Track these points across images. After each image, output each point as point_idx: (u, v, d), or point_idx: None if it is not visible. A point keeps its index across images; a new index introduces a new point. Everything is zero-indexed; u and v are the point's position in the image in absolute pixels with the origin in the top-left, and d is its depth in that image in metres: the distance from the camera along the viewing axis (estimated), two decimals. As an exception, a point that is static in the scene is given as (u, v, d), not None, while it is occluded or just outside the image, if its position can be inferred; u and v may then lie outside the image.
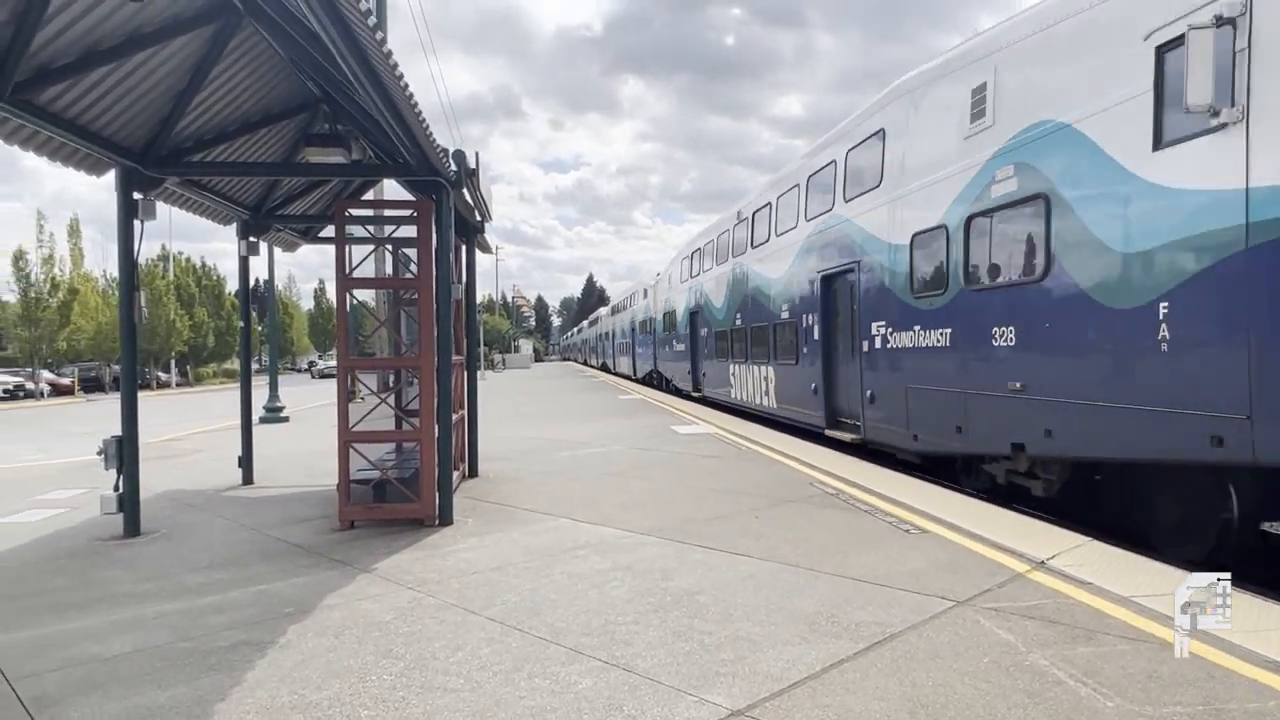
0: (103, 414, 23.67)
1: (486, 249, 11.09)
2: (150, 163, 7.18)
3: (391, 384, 8.93)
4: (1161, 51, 5.49)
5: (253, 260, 9.88)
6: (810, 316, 12.05)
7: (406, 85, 5.42)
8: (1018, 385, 7.07)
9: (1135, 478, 6.59)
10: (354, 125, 7.71)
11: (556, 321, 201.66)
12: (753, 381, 15.31)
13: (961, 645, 4.34)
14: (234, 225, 9.62)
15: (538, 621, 4.79)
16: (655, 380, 28.51)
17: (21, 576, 6.06)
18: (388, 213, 7.95)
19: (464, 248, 9.77)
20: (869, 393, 10.08)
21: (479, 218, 9.59)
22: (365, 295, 14.49)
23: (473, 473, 9.91)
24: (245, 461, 9.85)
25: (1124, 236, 5.80)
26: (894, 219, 9.24)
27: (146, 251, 66.30)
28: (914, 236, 8.73)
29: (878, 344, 9.73)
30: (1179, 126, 5.35)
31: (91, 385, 44.69)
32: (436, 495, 7.32)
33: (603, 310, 59.96)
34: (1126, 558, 5.78)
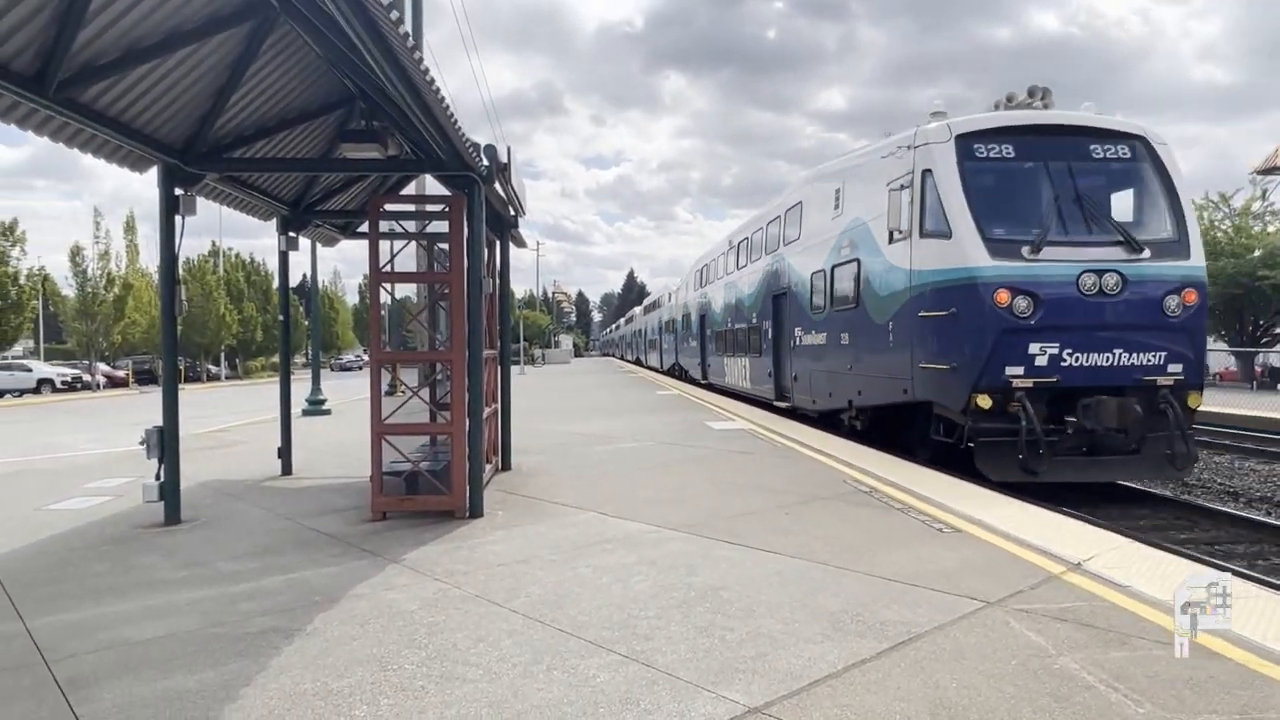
0: (154, 405, 24.28)
1: (521, 243, 11.14)
2: (191, 159, 7.33)
3: (426, 378, 9.03)
4: (891, 192, 10.23)
5: (295, 255, 10.07)
6: (767, 323, 17.16)
7: (433, 80, 5.46)
8: (849, 366, 12.21)
9: (898, 417, 11.20)
10: (389, 121, 7.77)
11: (597, 317, 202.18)
12: (737, 369, 20.85)
13: (989, 647, 4.26)
14: (274, 221, 9.82)
15: (560, 614, 4.81)
16: (677, 372, 34.32)
17: (66, 561, 6.25)
18: (421, 208, 8.02)
19: (497, 242, 9.83)
20: (794, 374, 15.35)
21: (512, 212, 9.63)
22: (408, 290, 14.76)
23: (505, 466, 9.98)
24: (284, 453, 10.03)
25: (880, 286, 10.83)
26: (805, 261, 14.31)
27: (199, 248, 67.85)
28: (811, 274, 13.84)
29: (797, 342, 14.96)
30: (894, 233, 10.29)
31: (145, 378, 45.94)
32: (467, 488, 7.38)
33: (637, 309, 66.97)
34: (1167, 560, 5.64)
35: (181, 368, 49.30)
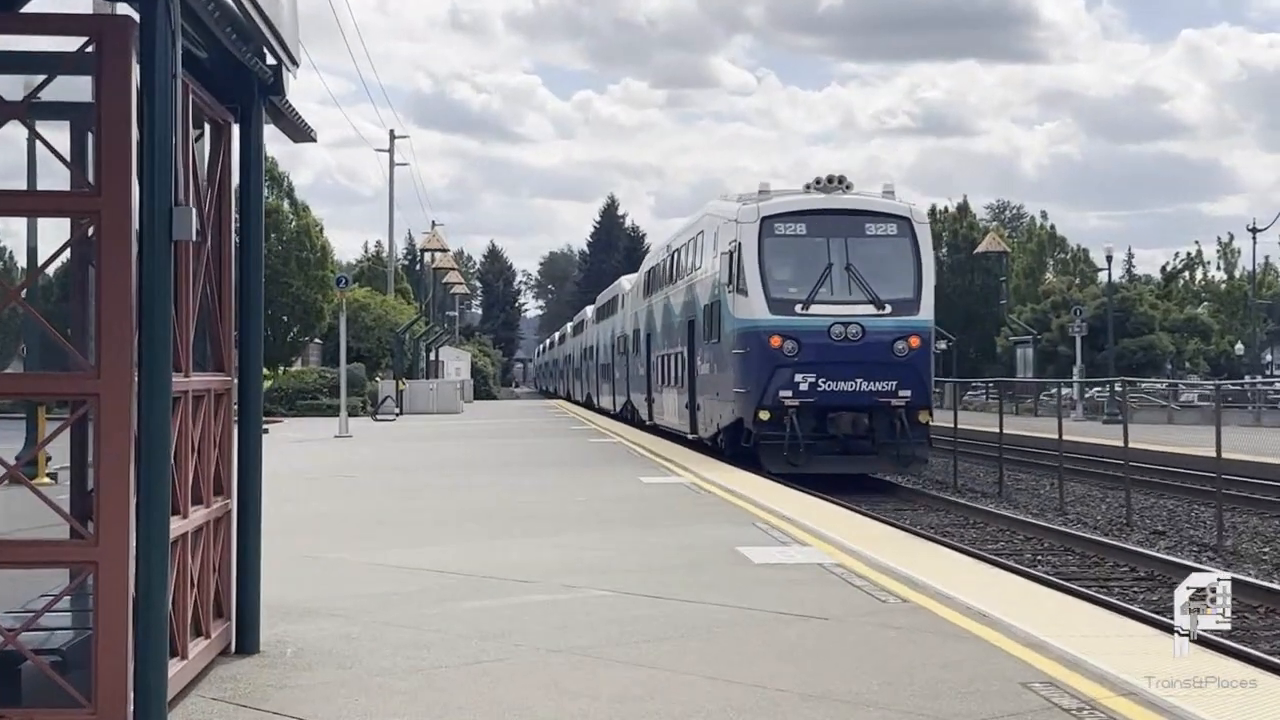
0: None
1: (301, 134, 11.15)
2: None
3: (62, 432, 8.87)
4: (721, 255, 32.89)
5: None
6: (684, 349, 38.33)
7: None
8: (717, 394, 34.42)
9: (738, 433, 32.20)
10: None
11: (532, 311, 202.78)
12: (670, 404, 42.21)
13: None
14: None
15: None
16: (628, 413, 55.59)
17: None
18: (34, 44, 7.93)
19: (234, 128, 9.78)
20: (698, 405, 36.66)
21: (270, 60, 9.56)
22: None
23: (243, 644, 9.90)
24: None
25: (727, 325, 32.37)
26: (702, 292, 36.11)
27: None
28: (704, 306, 35.66)
29: (699, 371, 36.47)
30: (726, 287, 32.00)
31: None
32: (130, 695, 7.23)
33: (588, 309, 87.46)
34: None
35: None
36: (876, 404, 27.35)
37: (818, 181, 31.24)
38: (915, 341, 27.59)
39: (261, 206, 10.39)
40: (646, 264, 55.40)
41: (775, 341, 27.37)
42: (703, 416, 35.24)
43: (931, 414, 29.18)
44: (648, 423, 47.89)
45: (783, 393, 27.09)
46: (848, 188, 30.77)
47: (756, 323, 27.98)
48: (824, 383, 27.31)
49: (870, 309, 27.56)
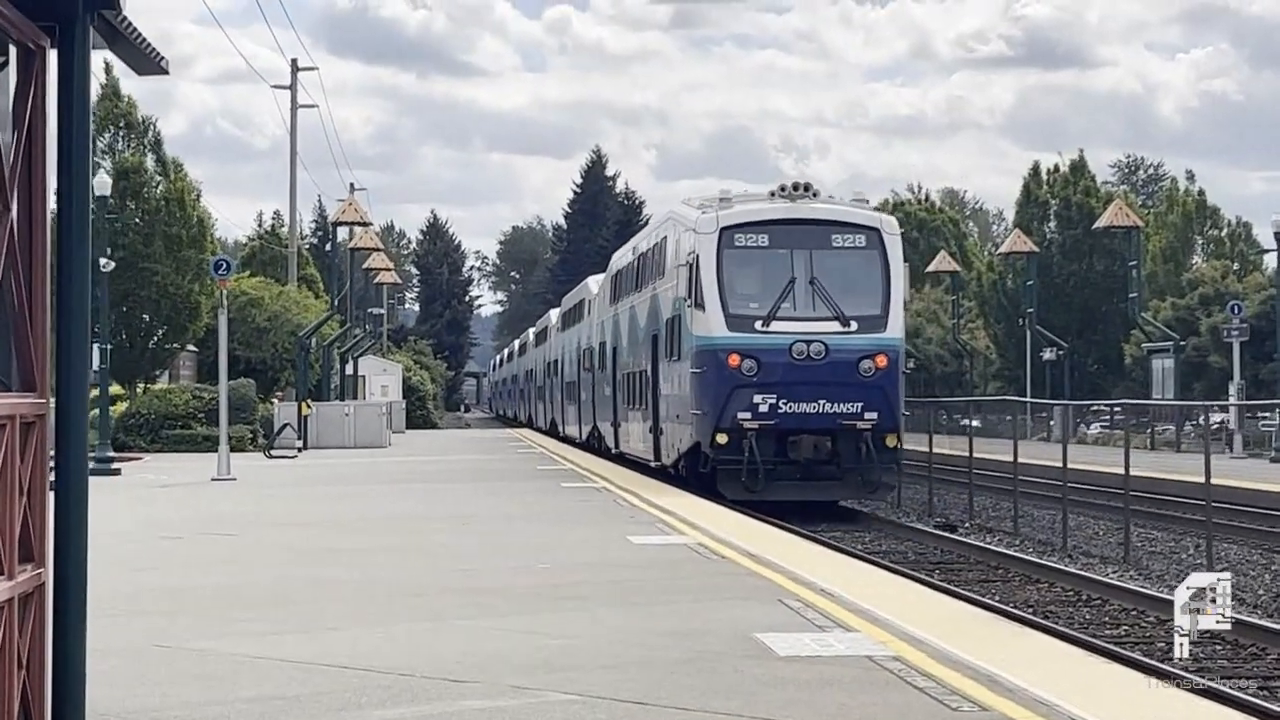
0: None
1: (147, 62, 11.03)
2: None
3: None
4: (678, 267, 48.88)
5: None
6: (649, 366, 54.35)
7: None
8: (677, 415, 51.15)
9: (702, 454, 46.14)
10: None
11: (489, 307, 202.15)
12: (635, 429, 57.94)
13: None
14: None
15: None
16: (594, 440, 68.41)
17: None
18: None
19: (47, 56, 9.60)
20: (661, 428, 52.46)
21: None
22: None
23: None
24: None
25: (685, 342, 47.79)
26: (666, 304, 52.44)
27: None
28: (666, 320, 51.60)
29: (662, 391, 52.96)
30: (685, 300, 47.24)
31: None
32: None
33: (553, 315, 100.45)
34: None
35: None
36: (840, 427, 36.25)
37: (783, 189, 41.01)
38: (882, 361, 36.30)
39: (88, 162, 10.07)
40: (614, 264, 67.57)
41: (734, 361, 36.28)
42: (665, 442, 45.16)
43: (901, 438, 38.40)
44: (614, 451, 59.07)
45: (741, 415, 36.06)
46: (814, 195, 40.32)
47: (713, 340, 36.84)
48: (785, 404, 36.42)
49: (834, 326, 36.27)
